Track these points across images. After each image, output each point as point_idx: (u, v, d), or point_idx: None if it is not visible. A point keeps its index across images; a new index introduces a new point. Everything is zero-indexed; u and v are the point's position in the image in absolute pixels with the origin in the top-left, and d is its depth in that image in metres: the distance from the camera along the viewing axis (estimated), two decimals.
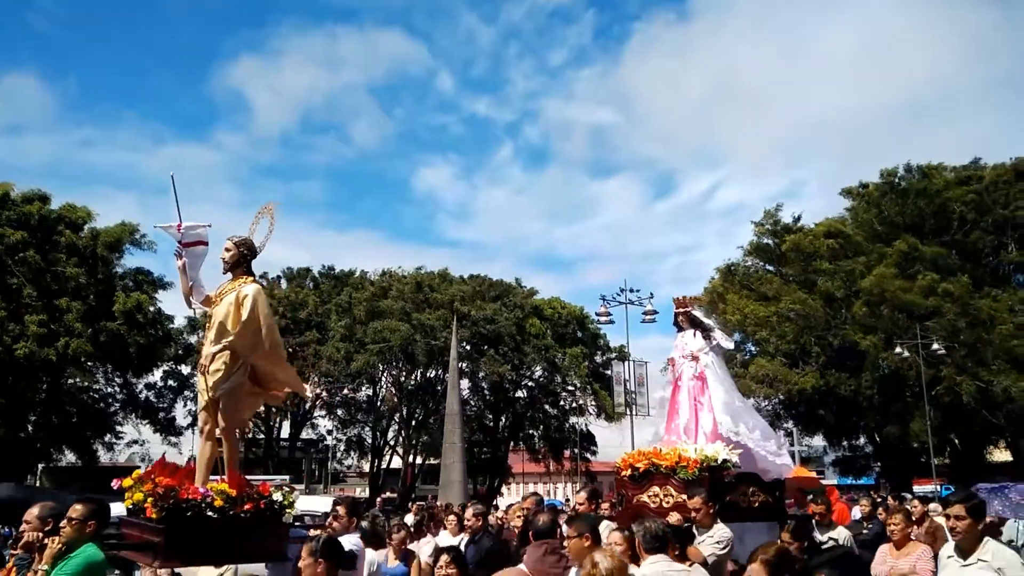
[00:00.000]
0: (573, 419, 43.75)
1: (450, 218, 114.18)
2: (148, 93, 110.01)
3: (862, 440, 38.27)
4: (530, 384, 42.63)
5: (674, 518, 6.58)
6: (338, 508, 6.44)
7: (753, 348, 35.35)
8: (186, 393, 39.32)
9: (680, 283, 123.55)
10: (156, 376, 36.44)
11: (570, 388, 42.62)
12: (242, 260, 5.56)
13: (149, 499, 4.73)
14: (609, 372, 37.04)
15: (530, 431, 43.85)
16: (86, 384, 31.13)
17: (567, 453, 44.84)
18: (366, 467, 46.33)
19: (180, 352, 37.15)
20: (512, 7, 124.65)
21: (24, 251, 28.15)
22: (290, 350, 39.38)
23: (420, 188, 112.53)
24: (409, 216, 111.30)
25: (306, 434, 44.03)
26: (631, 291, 29.48)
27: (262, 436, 42.76)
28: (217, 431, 5.33)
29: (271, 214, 5.65)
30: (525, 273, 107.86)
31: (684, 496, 6.91)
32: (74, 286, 29.44)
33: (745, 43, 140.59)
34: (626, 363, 32.81)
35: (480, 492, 38.89)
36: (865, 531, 9.62)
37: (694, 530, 6.44)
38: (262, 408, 42.66)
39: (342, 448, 44.97)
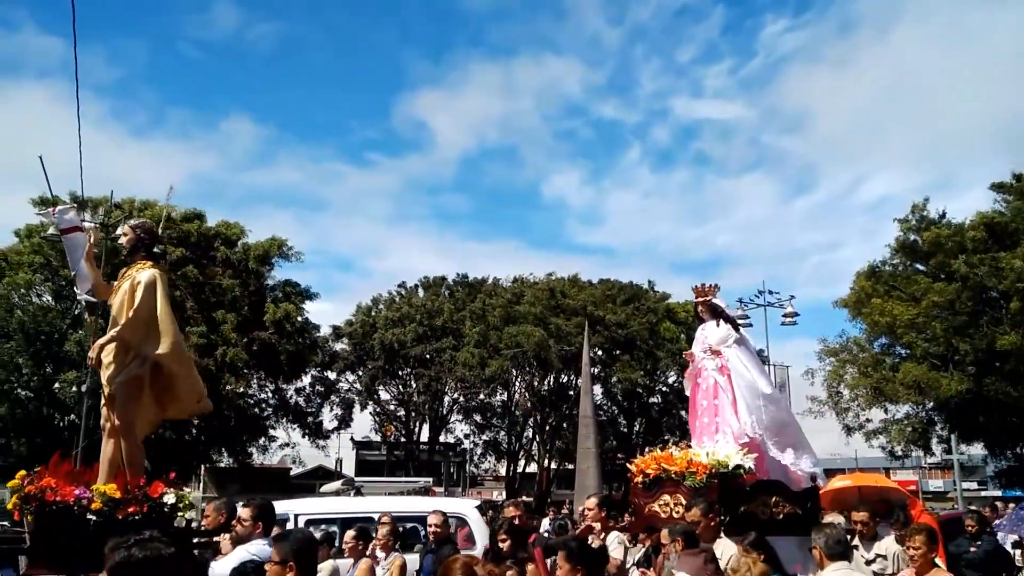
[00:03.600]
0: None
1: (579, 223, 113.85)
2: (334, 124, 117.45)
3: None
4: (664, 389, 42.05)
5: (663, 533, 5.78)
6: (243, 511, 5.33)
7: (903, 352, 33.46)
8: (332, 398, 41.30)
9: (822, 283, 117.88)
10: (304, 382, 38.23)
11: None
12: (140, 245, 5.25)
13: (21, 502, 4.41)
14: None
15: (665, 437, 43.24)
16: (242, 390, 33.01)
17: None
18: (502, 471, 47.02)
19: (326, 359, 38.98)
20: (638, 8, 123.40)
21: (184, 267, 30.31)
22: (427, 356, 40.71)
23: (549, 195, 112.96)
24: (539, 223, 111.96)
25: (444, 438, 45.16)
26: (770, 293, 28.72)
27: (403, 439, 44.29)
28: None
29: (169, 196, 5.80)
30: (657, 277, 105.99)
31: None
32: (230, 298, 31.44)
33: (892, 34, 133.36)
34: (766, 367, 31.83)
35: (615, 498, 38.64)
36: (974, 549, 8.71)
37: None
38: (402, 412, 44.30)
39: (479, 452, 45.90)
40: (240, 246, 32.96)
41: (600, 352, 38.60)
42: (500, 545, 6.20)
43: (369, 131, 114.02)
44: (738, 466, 6.70)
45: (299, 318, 33.94)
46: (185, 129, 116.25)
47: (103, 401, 5.03)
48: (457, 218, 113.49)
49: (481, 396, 41.73)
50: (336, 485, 23.76)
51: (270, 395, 36.21)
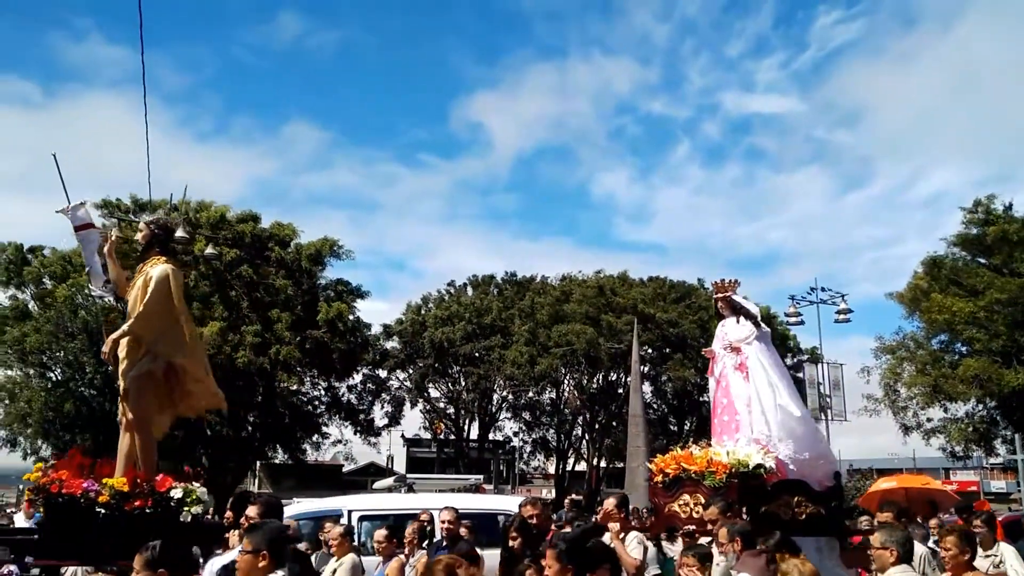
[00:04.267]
0: None
1: (627, 221, 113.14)
2: (389, 127, 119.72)
3: None
4: None
5: (722, 532, 5.66)
6: (250, 509, 5.13)
7: (963, 348, 32.54)
8: (383, 396, 41.77)
9: (878, 280, 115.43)
10: (356, 379, 38.69)
11: None
12: (155, 241, 5.30)
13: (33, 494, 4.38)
14: (801, 375, 35.47)
15: None
16: (295, 388, 33.56)
17: None
18: (551, 469, 47.03)
19: (377, 357, 39.46)
20: (687, 3, 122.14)
21: (239, 267, 30.94)
22: (476, 354, 40.92)
23: (598, 192, 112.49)
24: (588, 221, 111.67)
25: (493, 435, 45.32)
26: (823, 290, 28.31)
27: (453, 437, 44.62)
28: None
29: (184, 193, 5.51)
30: (708, 274, 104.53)
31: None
32: (283, 298, 32.02)
33: (956, 28, 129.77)
34: (819, 365, 31.31)
35: None
36: None
37: (713, 547, 5.59)
38: (452, 410, 44.61)
39: (528, 450, 45.98)
40: (293, 246, 33.53)
41: (650, 350, 38.36)
42: (511, 543, 6.14)
43: (423, 133, 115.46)
44: (759, 465, 6.55)
45: (351, 317, 34.39)
46: (248, 134, 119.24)
47: (119, 396, 5.10)
48: (507, 217, 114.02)
49: (530, 394, 41.81)
50: (388, 482, 24.05)
51: (323, 392, 36.74)
